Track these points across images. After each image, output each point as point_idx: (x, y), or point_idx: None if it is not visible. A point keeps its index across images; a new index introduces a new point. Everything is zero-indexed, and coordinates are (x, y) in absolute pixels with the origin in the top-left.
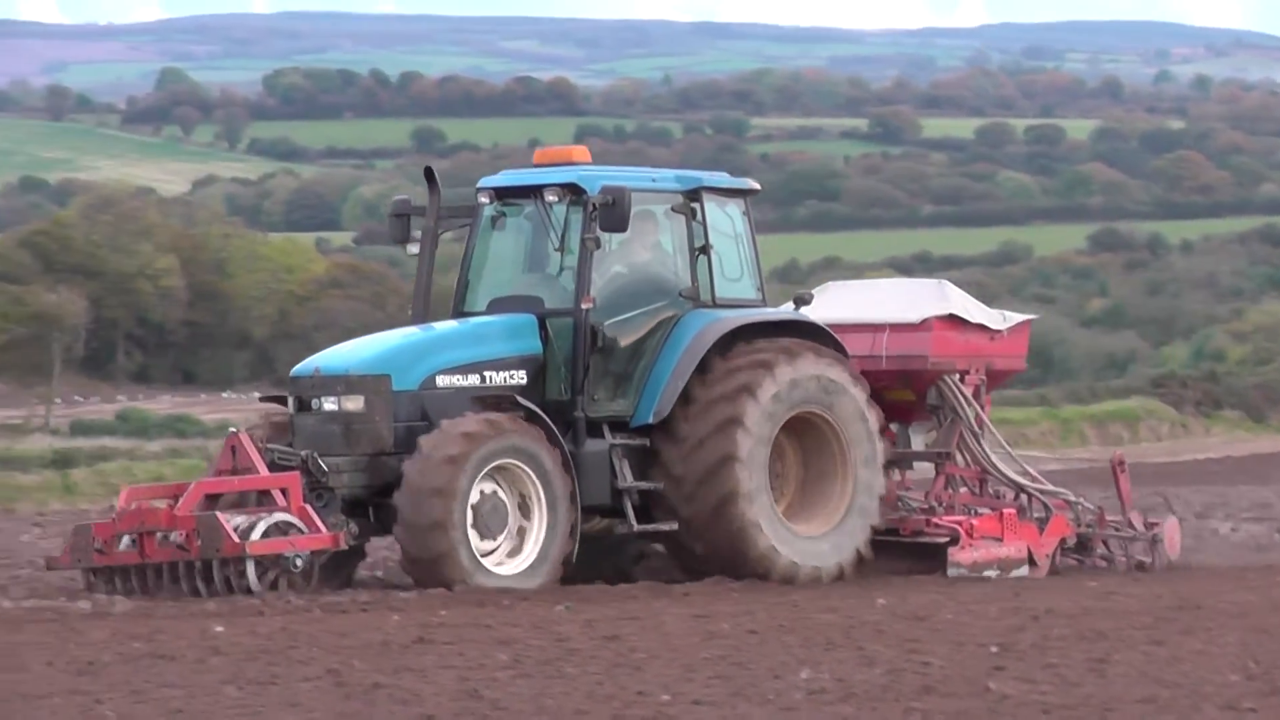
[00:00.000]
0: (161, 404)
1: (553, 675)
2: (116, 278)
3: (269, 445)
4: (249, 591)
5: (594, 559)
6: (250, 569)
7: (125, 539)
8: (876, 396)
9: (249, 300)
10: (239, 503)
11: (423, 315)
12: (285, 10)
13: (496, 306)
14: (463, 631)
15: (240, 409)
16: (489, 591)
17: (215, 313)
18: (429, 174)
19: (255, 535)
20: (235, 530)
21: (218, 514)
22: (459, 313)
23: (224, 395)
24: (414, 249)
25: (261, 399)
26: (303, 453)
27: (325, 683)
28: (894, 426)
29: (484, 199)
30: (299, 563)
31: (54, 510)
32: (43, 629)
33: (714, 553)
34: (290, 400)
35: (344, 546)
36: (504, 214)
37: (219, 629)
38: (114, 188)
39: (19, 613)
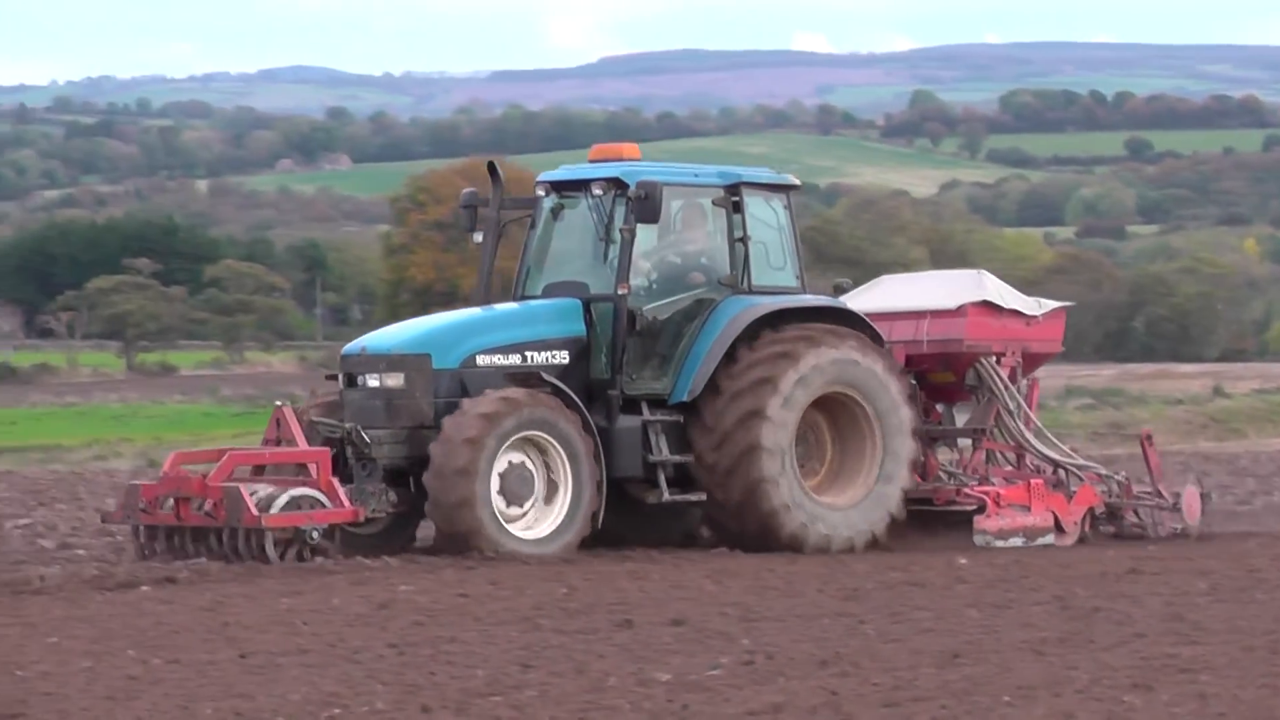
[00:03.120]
0: None
1: (1246, 601)
2: (875, 266)
3: (320, 419)
4: (268, 560)
5: (663, 522)
6: (268, 540)
7: (168, 501)
8: (920, 378)
9: None
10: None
11: (484, 298)
12: (1017, 41)
13: (550, 291)
14: (1168, 563)
15: None
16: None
17: None
18: (491, 169)
19: (276, 508)
20: (258, 502)
21: (240, 486)
22: (519, 297)
23: None
24: (479, 238)
25: (326, 376)
26: (347, 425)
27: (1052, 606)
28: (939, 406)
29: (541, 192)
30: (315, 535)
31: None
32: (815, 561)
33: (746, 532)
34: (340, 377)
35: (362, 520)
36: (562, 206)
37: (963, 561)
38: (873, 191)
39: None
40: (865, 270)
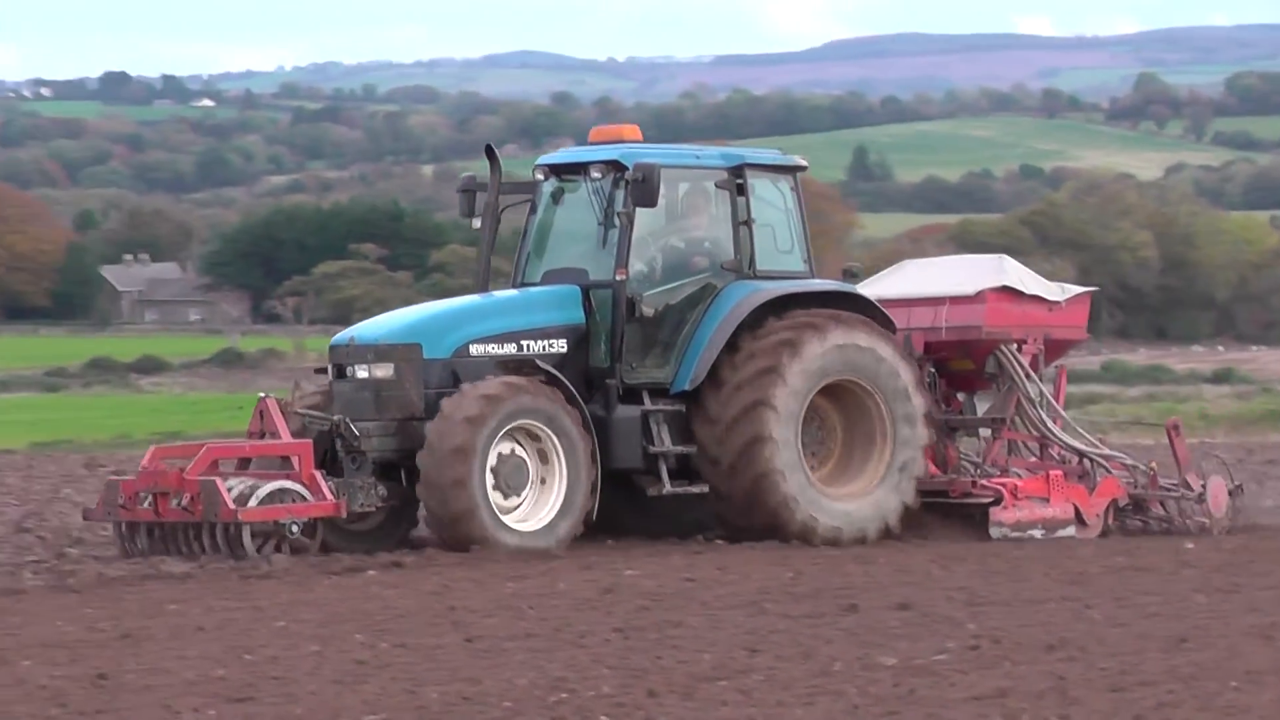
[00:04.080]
0: (1139, 356)
1: None
2: (1100, 250)
3: (308, 411)
4: (246, 555)
5: (672, 513)
6: (246, 534)
7: (147, 497)
8: (940, 366)
9: (1213, 268)
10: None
11: (484, 285)
12: (1243, 23)
13: (550, 278)
14: None
15: (1204, 360)
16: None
17: (1184, 278)
18: (489, 152)
19: (253, 501)
20: (235, 496)
21: (216, 479)
22: (519, 283)
23: (1192, 348)
24: (478, 223)
25: (316, 370)
26: (335, 418)
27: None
28: (960, 395)
29: (540, 175)
30: (295, 529)
31: None
32: (1039, 546)
33: (753, 525)
34: (330, 368)
35: (344, 514)
36: (562, 190)
37: (1189, 545)
38: (1098, 174)
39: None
40: (1091, 253)
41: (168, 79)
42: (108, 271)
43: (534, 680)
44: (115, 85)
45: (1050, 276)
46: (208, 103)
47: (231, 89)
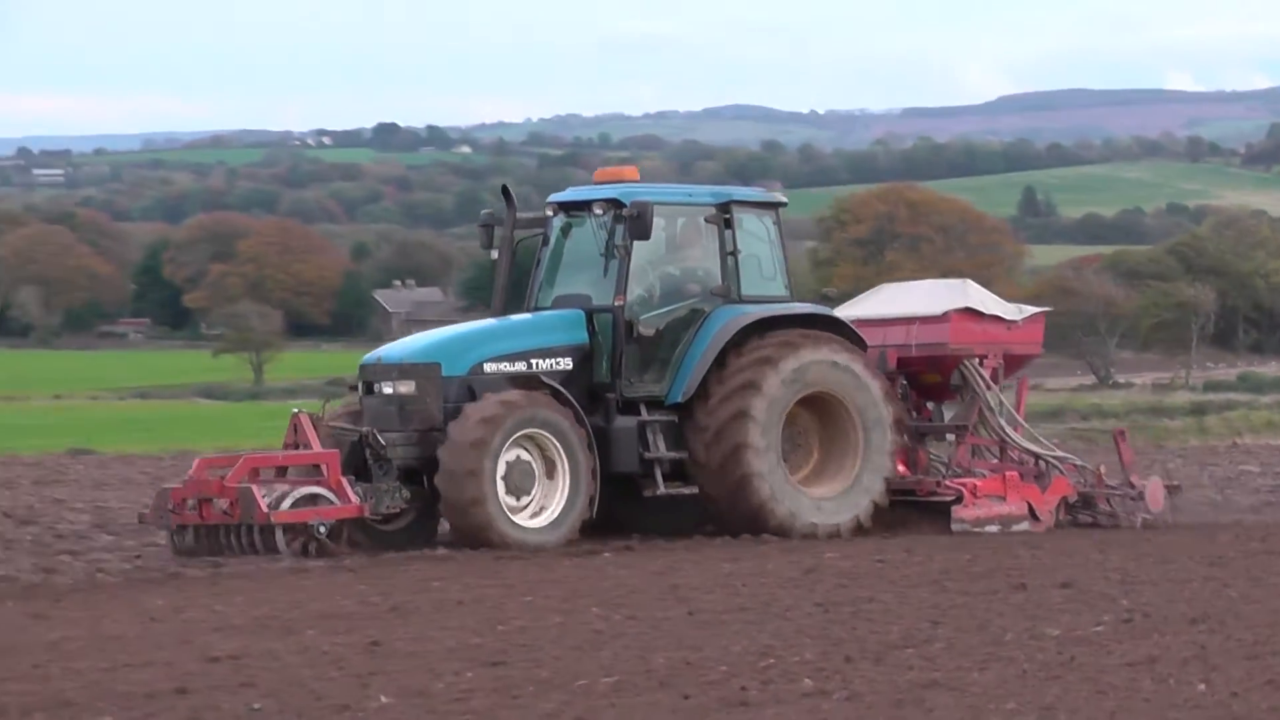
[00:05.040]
0: (1271, 369)
1: None
2: (1237, 277)
3: (338, 424)
4: (279, 554)
5: (672, 511)
6: (279, 535)
7: (191, 503)
8: (911, 379)
9: None
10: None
11: (501, 311)
12: None
13: (558, 303)
14: None
15: None
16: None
17: None
18: (505, 192)
19: (284, 506)
20: (269, 501)
21: (252, 486)
22: (532, 308)
23: None
24: (495, 254)
25: (349, 387)
26: (363, 429)
27: None
28: (929, 405)
29: (550, 212)
30: (322, 530)
31: (1191, 446)
32: (1185, 532)
33: (737, 522)
34: (360, 385)
35: (368, 515)
36: (569, 224)
37: None
38: (1236, 211)
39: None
40: (1229, 279)
41: (431, 129)
42: (379, 295)
43: (746, 648)
44: (386, 134)
45: (1194, 300)
46: (466, 149)
47: (486, 137)
